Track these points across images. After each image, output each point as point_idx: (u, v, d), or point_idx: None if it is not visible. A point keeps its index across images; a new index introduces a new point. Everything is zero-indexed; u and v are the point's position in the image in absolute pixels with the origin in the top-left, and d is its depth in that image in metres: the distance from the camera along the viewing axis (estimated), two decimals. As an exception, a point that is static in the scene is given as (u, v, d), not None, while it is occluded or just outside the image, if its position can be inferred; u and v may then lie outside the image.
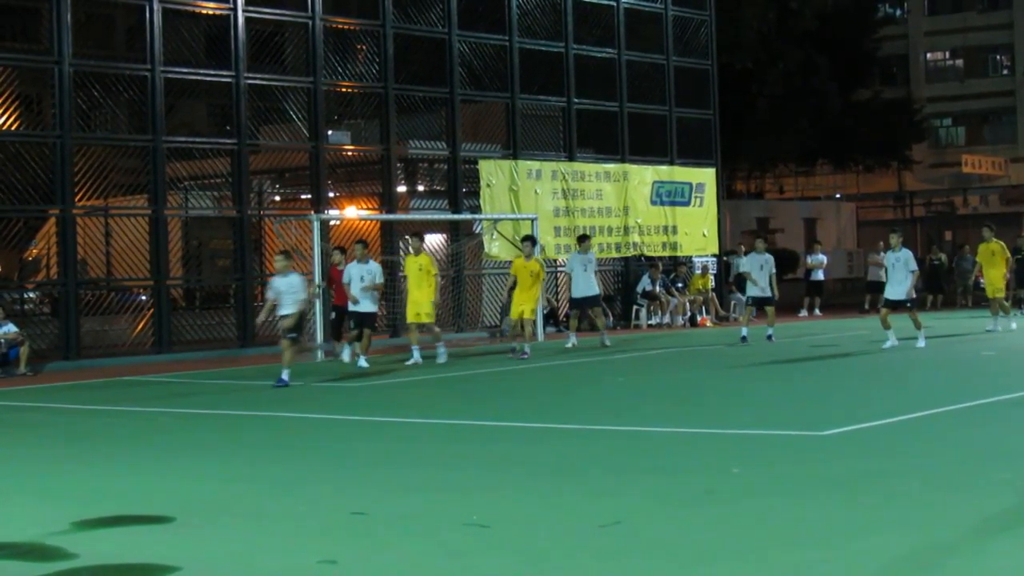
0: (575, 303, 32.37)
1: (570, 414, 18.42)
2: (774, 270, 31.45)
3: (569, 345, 31.30)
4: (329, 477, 13.47)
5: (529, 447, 15.41)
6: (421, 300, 28.01)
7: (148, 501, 12.29)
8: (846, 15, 71.54)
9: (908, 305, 27.83)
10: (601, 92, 42.20)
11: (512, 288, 30.46)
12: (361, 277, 26.72)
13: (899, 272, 27.78)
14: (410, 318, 28.49)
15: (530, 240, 30.67)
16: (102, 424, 19.39)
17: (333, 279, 29.65)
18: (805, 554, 9.36)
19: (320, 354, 30.01)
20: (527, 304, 29.63)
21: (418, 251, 28.63)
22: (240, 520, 11.26)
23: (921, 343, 27.69)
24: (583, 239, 32.54)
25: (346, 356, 28.41)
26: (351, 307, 27.11)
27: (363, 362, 27.01)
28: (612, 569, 9.18)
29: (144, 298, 33.41)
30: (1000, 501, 10.90)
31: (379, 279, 26.98)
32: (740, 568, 9.12)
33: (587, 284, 31.40)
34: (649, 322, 40.63)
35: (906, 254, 27.98)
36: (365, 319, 27.18)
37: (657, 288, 40.91)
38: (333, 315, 30.00)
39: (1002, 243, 34.00)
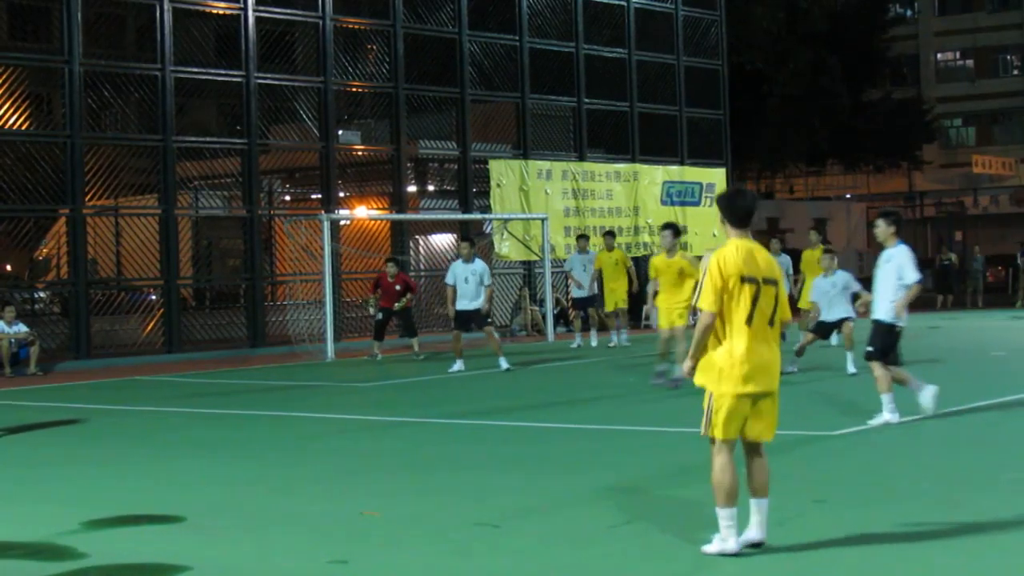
0: (578, 303, 32.52)
1: (579, 414, 18.40)
2: (791, 271, 31.19)
3: (575, 345, 31.68)
4: (340, 477, 13.46)
5: (538, 447, 15.41)
6: (618, 290, 30.85)
7: (159, 501, 12.29)
8: (856, 15, 71.42)
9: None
10: (611, 92, 42.20)
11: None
12: (466, 278, 25.48)
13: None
14: (609, 307, 31.16)
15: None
16: (112, 424, 19.39)
17: (380, 285, 29.58)
18: (817, 554, 9.34)
19: (330, 354, 30.04)
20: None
21: (611, 247, 31.40)
22: (251, 520, 11.27)
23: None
24: (583, 238, 32.92)
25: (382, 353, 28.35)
26: (459, 306, 25.49)
27: (505, 363, 25.44)
28: (622, 570, 9.17)
29: (154, 298, 33.44)
30: (1013, 501, 10.89)
31: (487, 280, 25.70)
32: (753, 569, 9.10)
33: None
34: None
35: (898, 264, 25.04)
36: (477, 317, 25.66)
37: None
38: (380, 316, 29.80)
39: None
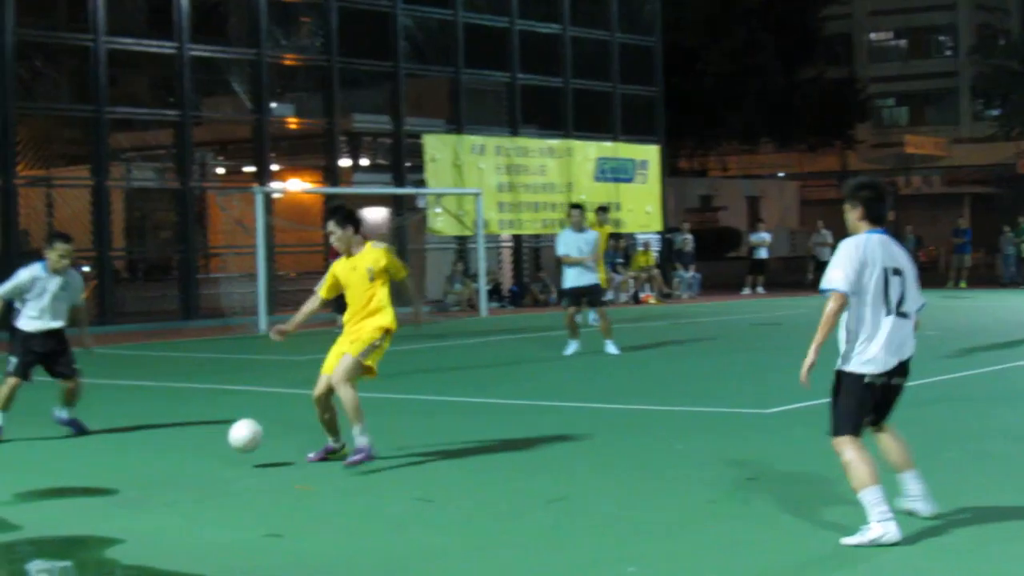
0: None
1: (515, 390, 18.43)
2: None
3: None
4: (276, 451, 13.42)
5: (474, 422, 15.42)
6: (603, 268, 26.41)
7: (92, 474, 12.25)
8: (791, -6, 71.72)
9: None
10: (546, 68, 42.17)
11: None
12: (579, 248, 22.62)
13: None
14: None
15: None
16: (43, 397, 19.25)
17: None
18: (748, 531, 9.41)
19: (263, 327, 29.93)
20: None
21: (604, 223, 28.98)
22: (186, 493, 11.24)
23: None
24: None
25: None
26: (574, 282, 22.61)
27: (613, 348, 22.63)
28: (554, 544, 9.21)
29: (87, 269, 33.20)
30: (951, 474, 10.98)
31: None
32: (682, 544, 9.17)
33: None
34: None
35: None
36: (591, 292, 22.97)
37: (601, 264, 40.86)
38: None
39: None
